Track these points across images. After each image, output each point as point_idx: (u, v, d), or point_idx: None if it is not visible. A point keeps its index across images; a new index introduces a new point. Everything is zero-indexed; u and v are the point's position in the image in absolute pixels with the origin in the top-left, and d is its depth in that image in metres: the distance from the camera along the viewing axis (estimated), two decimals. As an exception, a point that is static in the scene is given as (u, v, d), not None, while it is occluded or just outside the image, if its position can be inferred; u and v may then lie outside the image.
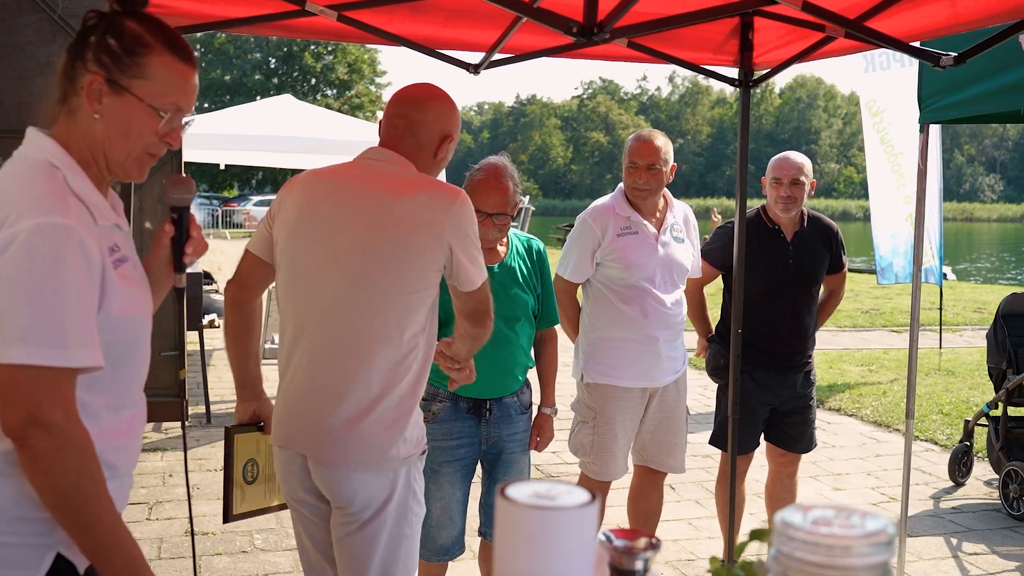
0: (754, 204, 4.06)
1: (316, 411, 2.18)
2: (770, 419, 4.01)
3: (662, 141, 3.55)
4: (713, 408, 4.25)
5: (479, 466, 3.22)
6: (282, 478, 2.32)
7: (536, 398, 3.32)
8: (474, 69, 3.47)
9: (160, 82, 1.59)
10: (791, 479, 4.11)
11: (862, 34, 2.80)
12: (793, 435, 4.02)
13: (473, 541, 3.55)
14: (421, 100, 2.31)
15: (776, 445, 4.07)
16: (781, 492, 4.09)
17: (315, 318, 2.19)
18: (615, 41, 3.05)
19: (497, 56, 3.32)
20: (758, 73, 3.64)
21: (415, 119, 2.28)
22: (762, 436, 4.05)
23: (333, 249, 2.18)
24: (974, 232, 62.18)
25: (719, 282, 4.13)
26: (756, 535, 1.00)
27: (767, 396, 3.94)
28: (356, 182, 2.25)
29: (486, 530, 3.23)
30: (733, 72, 3.68)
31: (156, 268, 1.84)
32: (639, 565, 1.09)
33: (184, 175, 1.99)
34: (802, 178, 3.83)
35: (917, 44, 3.21)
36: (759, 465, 4.64)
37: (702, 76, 3.71)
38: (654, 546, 1.10)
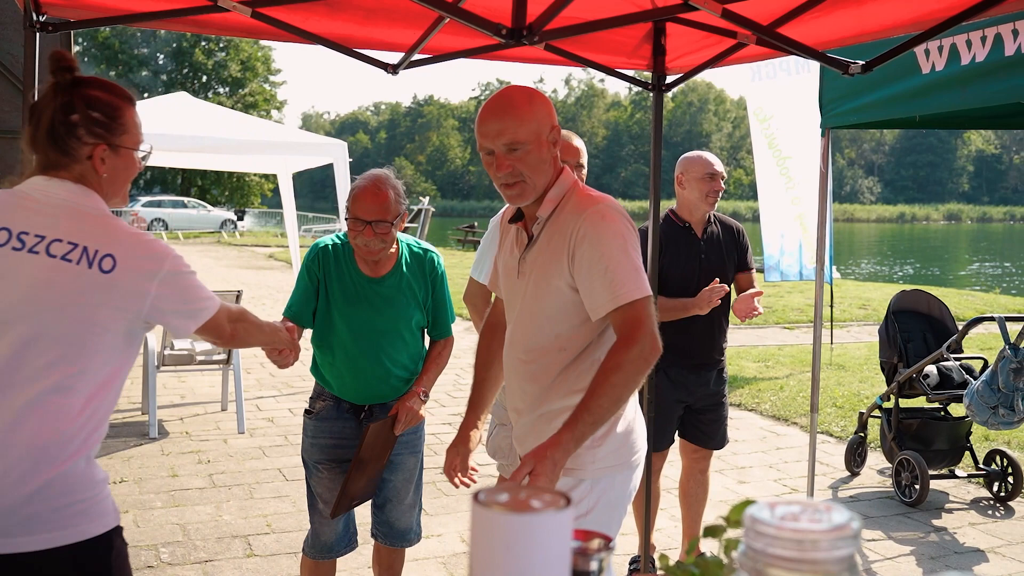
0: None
1: None
2: (684, 416, 4.09)
3: (579, 142, 3.57)
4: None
5: None
6: None
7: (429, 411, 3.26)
8: (392, 69, 3.42)
9: (135, 130, 1.98)
10: (704, 475, 4.20)
11: (773, 40, 2.88)
12: (707, 432, 4.11)
13: (366, 546, 3.53)
14: None
15: (690, 442, 4.16)
16: (695, 487, 4.18)
17: None
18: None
19: (417, 56, 3.29)
20: (671, 77, 3.71)
21: None
22: (676, 433, 4.13)
23: None
24: (855, 232, 65.07)
25: None
26: (710, 532, 1.02)
27: (681, 394, 4.02)
28: None
29: (377, 532, 3.20)
30: (649, 76, 3.75)
31: None
32: (594, 566, 1.10)
33: None
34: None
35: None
36: (668, 462, 4.74)
37: (597, 79, 3.84)
38: (608, 547, 1.11)
